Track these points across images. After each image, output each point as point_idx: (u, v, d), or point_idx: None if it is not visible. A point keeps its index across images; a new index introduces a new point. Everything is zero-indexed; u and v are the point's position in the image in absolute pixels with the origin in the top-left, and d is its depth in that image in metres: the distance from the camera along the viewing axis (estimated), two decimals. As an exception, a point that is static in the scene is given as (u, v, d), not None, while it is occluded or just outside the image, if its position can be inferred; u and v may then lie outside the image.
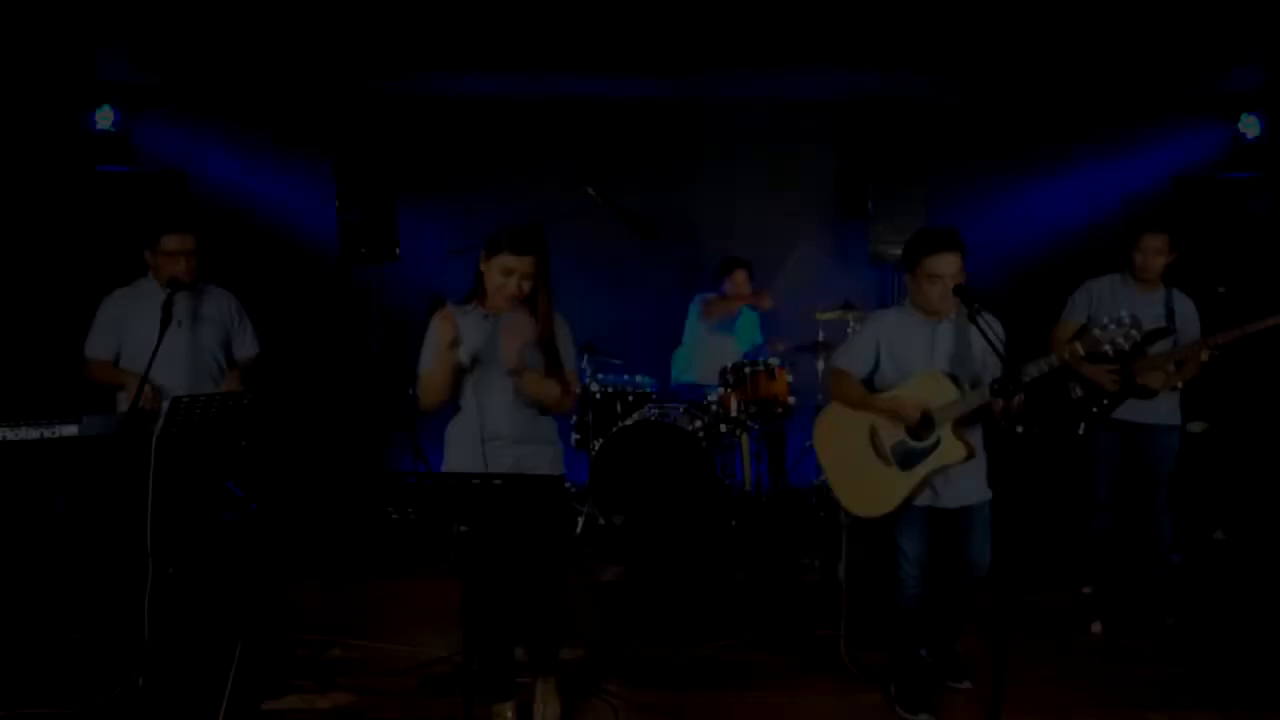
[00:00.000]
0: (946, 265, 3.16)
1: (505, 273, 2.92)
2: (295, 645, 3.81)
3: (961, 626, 3.55)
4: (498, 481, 2.54)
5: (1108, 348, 3.01)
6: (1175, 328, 4.05)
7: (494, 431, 3.00)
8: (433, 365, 2.98)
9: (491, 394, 3.00)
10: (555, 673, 3.35)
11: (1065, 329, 4.21)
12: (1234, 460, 5.77)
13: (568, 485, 5.17)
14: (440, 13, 4.50)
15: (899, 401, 3.22)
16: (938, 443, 3.19)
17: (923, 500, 3.29)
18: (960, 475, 3.28)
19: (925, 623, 3.46)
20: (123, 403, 3.76)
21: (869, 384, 3.40)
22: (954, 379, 3.21)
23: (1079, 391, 4.17)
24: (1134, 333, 2.99)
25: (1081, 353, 3.09)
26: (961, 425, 3.21)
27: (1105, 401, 4.10)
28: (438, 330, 2.97)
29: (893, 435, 3.28)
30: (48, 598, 4.44)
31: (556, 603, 3.23)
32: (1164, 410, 4.11)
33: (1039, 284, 5.53)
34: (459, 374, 2.97)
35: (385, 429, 5.72)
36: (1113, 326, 2.99)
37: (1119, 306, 4.08)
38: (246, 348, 3.99)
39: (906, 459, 3.24)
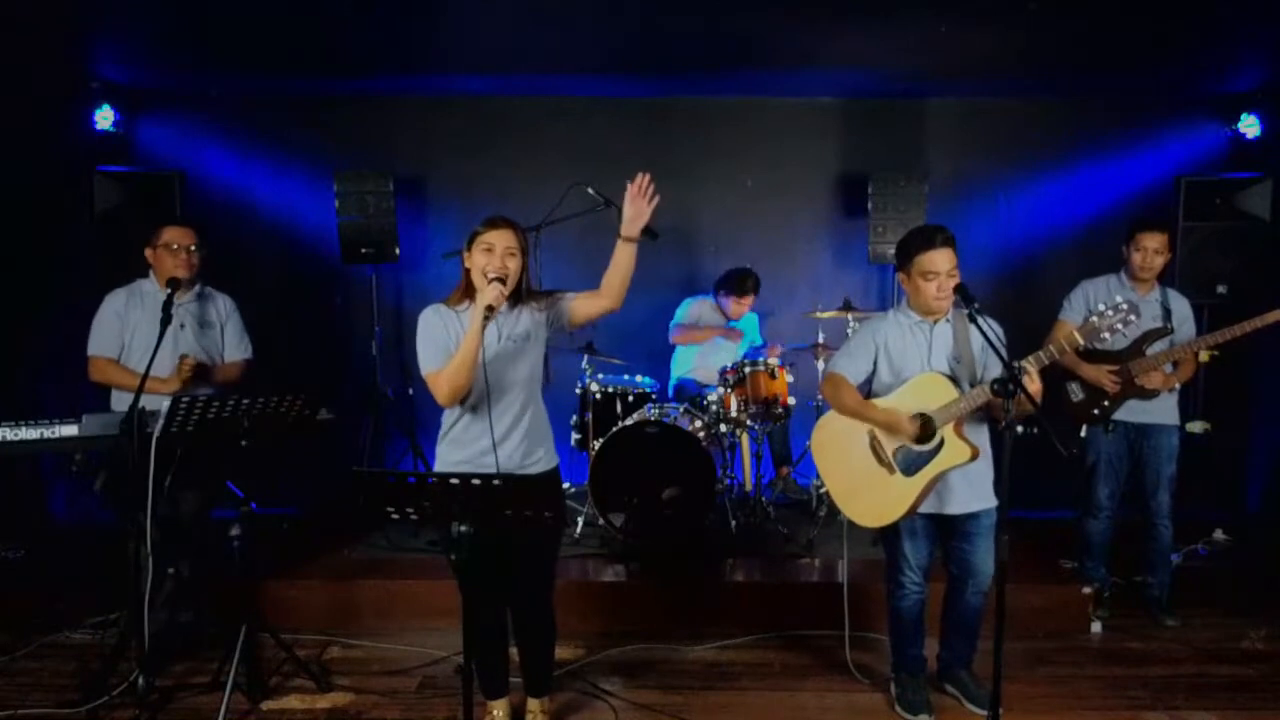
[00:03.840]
0: (941, 261, 3.13)
1: (486, 250, 2.86)
2: (295, 645, 3.81)
3: (972, 642, 3.49)
4: (497, 482, 2.53)
5: (1106, 334, 3.01)
6: (1172, 327, 4.06)
7: (500, 430, 2.93)
8: (442, 358, 2.86)
9: (501, 390, 2.95)
10: (549, 693, 3.33)
11: (1063, 329, 4.20)
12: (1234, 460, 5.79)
13: (566, 485, 5.19)
14: (439, 14, 4.50)
15: (894, 416, 3.18)
16: (940, 445, 3.15)
17: (927, 506, 3.26)
18: (965, 481, 3.25)
19: (925, 623, 3.46)
20: (117, 402, 3.75)
21: (866, 388, 3.37)
22: (952, 380, 3.19)
23: (1079, 394, 4.17)
24: (1131, 317, 3.00)
25: (1080, 342, 3.08)
26: (962, 426, 3.18)
27: (1106, 403, 4.11)
28: (434, 321, 2.92)
29: (893, 441, 3.23)
30: (48, 597, 4.44)
31: (550, 604, 3.20)
32: (1163, 411, 4.12)
33: (1039, 284, 5.56)
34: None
35: (385, 429, 5.72)
36: (1109, 313, 3.00)
37: None
38: (239, 352, 3.98)
39: (909, 465, 3.19)
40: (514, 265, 2.87)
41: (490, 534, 2.62)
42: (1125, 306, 2.99)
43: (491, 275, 2.82)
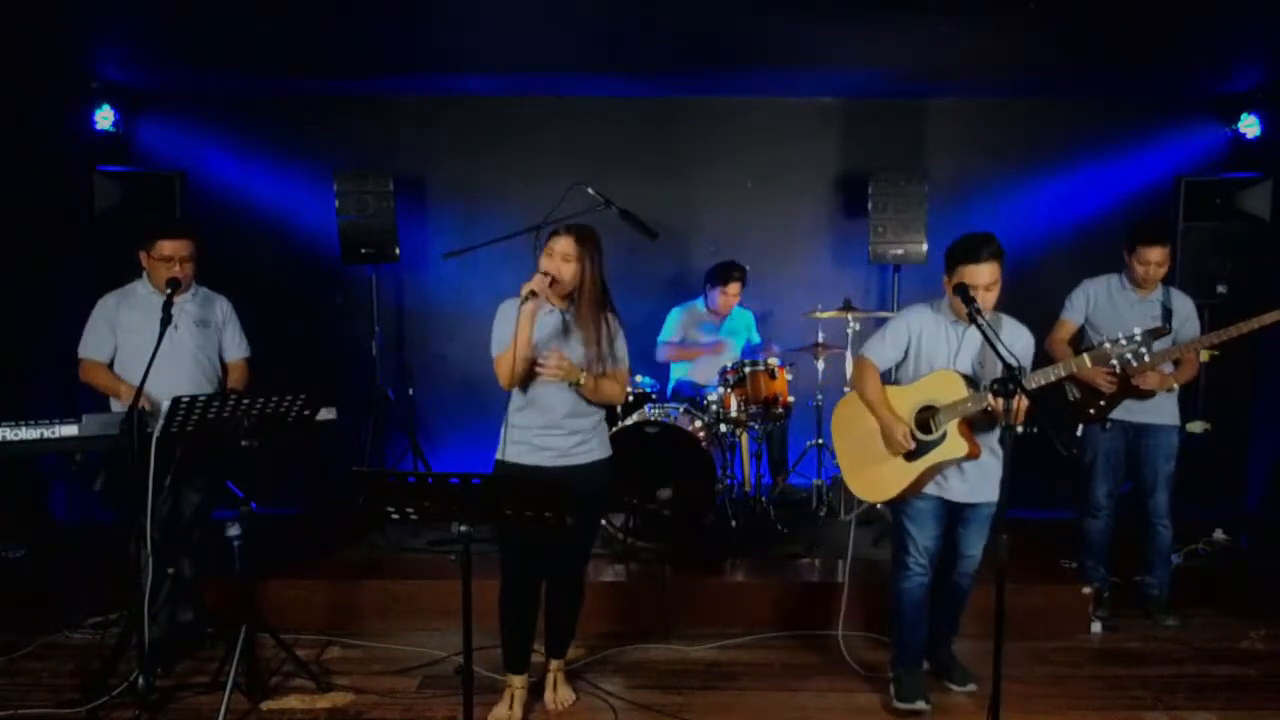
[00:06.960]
0: (983, 275, 3.18)
1: (548, 255, 3.18)
2: (295, 645, 3.81)
3: (954, 623, 3.60)
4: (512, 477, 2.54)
5: (1115, 363, 3.05)
6: (1172, 328, 4.05)
7: (550, 419, 3.22)
8: (508, 344, 3.14)
9: (549, 384, 3.20)
10: (564, 658, 3.59)
11: (1064, 329, 4.22)
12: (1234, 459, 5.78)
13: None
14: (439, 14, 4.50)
15: (892, 424, 3.31)
16: (943, 438, 3.27)
17: (932, 490, 3.36)
18: (973, 473, 3.33)
19: (926, 612, 3.48)
20: (115, 405, 3.73)
21: (890, 374, 3.48)
22: (970, 380, 3.26)
23: (1075, 393, 4.17)
24: (1143, 350, 3.00)
25: (1090, 365, 3.13)
26: (968, 424, 3.25)
27: (1102, 403, 4.11)
28: (509, 311, 3.19)
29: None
30: (48, 597, 4.44)
31: (584, 574, 3.55)
32: (1162, 410, 4.12)
33: (1039, 284, 5.54)
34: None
35: (385, 429, 5.72)
36: (1124, 342, 3.02)
37: (1117, 308, 4.10)
38: (236, 351, 3.98)
39: (911, 451, 3.32)
40: (567, 269, 3.17)
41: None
42: (1140, 339, 2.99)
43: (543, 272, 3.17)
